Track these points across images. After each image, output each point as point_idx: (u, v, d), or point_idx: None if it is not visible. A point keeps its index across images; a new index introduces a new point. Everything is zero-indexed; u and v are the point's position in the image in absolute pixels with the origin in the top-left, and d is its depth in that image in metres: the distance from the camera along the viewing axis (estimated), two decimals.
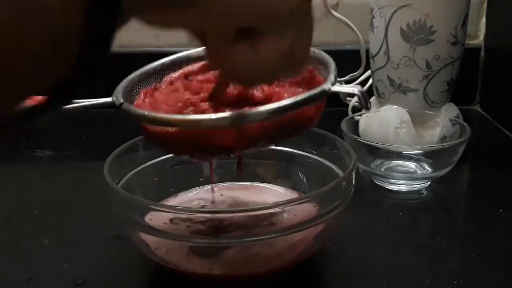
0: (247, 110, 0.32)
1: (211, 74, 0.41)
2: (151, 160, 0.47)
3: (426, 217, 0.51)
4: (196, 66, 0.42)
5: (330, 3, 0.73)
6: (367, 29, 0.63)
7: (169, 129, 0.34)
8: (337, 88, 0.34)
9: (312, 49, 0.39)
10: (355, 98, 0.73)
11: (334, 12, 0.70)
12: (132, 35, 0.85)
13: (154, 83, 0.41)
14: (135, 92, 0.40)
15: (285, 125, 0.34)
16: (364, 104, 0.35)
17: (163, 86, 0.40)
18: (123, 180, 0.44)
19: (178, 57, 0.42)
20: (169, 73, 0.42)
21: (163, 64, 0.41)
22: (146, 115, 0.34)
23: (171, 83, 0.41)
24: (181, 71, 0.42)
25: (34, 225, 0.50)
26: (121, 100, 0.36)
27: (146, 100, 0.39)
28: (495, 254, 0.44)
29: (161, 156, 0.48)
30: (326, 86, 0.34)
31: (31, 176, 0.62)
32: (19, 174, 0.63)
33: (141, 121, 0.35)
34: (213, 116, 0.32)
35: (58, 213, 0.52)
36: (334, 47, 0.81)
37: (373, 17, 0.61)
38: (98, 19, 0.19)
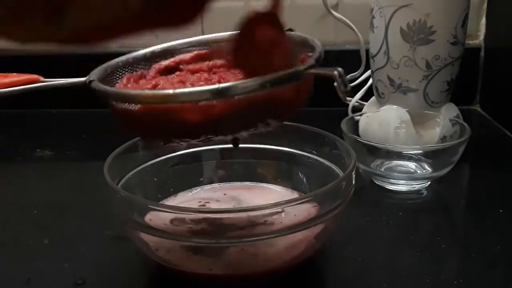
0: (223, 83, 0.31)
1: (204, 64, 0.41)
2: (151, 160, 0.47)
3: (426, 217, 0.51)
4: (188, 55, 0.41)
5: (330, 3, 0.73)
6: (367, 29, 0.63)
7: (136, 107, 0.32)
8: (315, 70, 0.33)
9: (300, 34, 0.39)
10: (356, 98, 0.73)
11: (334, 12, 0.70)
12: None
13: (142, 70, 0.40)
14: (118, 76, 0.39)
15: (258, 105, 0.33)
16: (342, 87, 0.33)
17: (150, 74, 0.40)
18: (123, 180, 0.44)
19: (170, 45, 0.42)
20: (159, 61, 0.41)
21: (153, 52, 0.41)
22: (112, 91, 0.32)
23: (158, 71, 0.40)
24: (172, 59, 0.41)
25: (34, 225, 0.50)
26: (91, 78, 0.35)
27: (128, 85, 0.38)
28: (495, 254, 0.44)
29: (161, 156, 0.48)
30: (302, 66, 0.33)
31: (31, 176, 0.62)
32: (19, 174, 0.63)
33: (107, 98, 0.33)
34: (188, 89, 0.31)
35: (58, 213, 0.52)
36: (334, 47, 0.81)
37: (373, 17, 0.61)
38: None
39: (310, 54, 0.37)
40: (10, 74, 0.51)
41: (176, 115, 0.32)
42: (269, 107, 0.34)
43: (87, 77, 0.35)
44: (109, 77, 0.38)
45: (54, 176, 0.62)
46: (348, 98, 0.74)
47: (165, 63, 0.41)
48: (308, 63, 0.33)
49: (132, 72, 0.40)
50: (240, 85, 0.31)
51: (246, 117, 0.33)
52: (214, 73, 0.39)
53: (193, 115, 0.32)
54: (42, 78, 0.50)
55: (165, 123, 0.33)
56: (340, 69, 0.33)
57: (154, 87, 0.38)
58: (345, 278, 0.42)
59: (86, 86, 0.35)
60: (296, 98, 0.35)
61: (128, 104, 0.33)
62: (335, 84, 0.33)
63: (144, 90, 0.34)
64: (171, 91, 0.31)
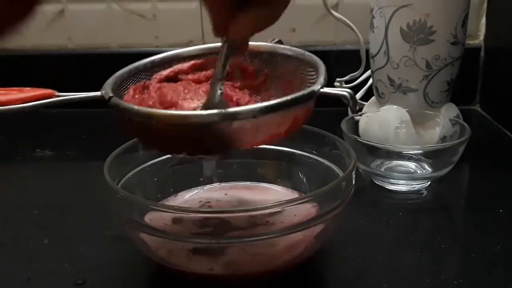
0: (236, 107, 0.32)
1: (201, 74, 0.42)
2: (151, 160, 0.47)
3: (426, 217, 0.51)
4: (186, 65, 0.42)
5: (330, 3, 0.73)
6: (367, 29, 0.63)
7: (156, 124, 0.34)
8: (327, 89, 0.35)
9: (302, 51, 0.40)
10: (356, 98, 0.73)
11: (334, 12, 0.70)
12: (131, 35, 0.86)
13: (144, 80, 0.41)
14: (124, 88, 0.40)
15: (276, 125, 0.35)
16: (353, 107, 0.35)
17: (152, 83, 0.41)
18: (123, 180, 0.44)
19: (168, 55, 0.42)
20: (158, 71, 0.42)
21: (153, 62, 0.42)
22: (135, 109, 0.34)
23: (159, 81, 0.41)
24: (171, 69, 0.42)
25: (34, 225, 0.50)
26: (110, 94, 0.36)
27: (136, 96, 0.39)
28: (495, 254, 0.44)
29: (161, 156, 0.48)
30: (316, 87, 0.35)
31: (31, 176, 0.62)
32: (19, 174, 0.63)
33: (129, 115, 0.35)
34: (204, 112, 0.32)
35: (58, 213, 0.52)
36: (334, 47, 0.81)
37: (373, 17, 0.61)
38: None
39: (312, 72, 0.38)
40: (24, 89, 0.50)
41: (198, 132, 0.33)
42: (283, 125, 0.35)
43: (102, 91, 0.37)
44: (118, 90, 0.39)
45: (54, 176, 0.62)
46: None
47: (165, 73, 0.42)
48: (321, 83, 0.35)
49: (135, 82, 0.41)
50: (268, 105, 0.33)
51: (259, 134, 0.35)
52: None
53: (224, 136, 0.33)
54: (56, 93, 0.50)
55: (184, 139, 0.34)
56: (350, 91, 0.35)
57: (162, 98, 0.39)
58: (345, 278, 0.42)
59: (102, 100, 0.36)
60: (305, 117, 0.37)
61: (150, 121, 0.34)
62: (346, 103, 0.35)
63: (168, 110, 0.36)
64: (197, 112, 0.32)
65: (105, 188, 0.39)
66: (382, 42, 0.60)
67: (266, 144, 0.37)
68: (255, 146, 0.36)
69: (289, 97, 0.33)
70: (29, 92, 0.50)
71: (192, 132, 0.33)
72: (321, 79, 0.36)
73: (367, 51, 0.66)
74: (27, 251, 0.45)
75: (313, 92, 0.34)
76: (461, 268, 0.44)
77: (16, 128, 0.75)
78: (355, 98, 0.35)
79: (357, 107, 0.36)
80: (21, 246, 0.46)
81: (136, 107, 0.34)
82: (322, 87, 0.35)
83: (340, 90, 0.35)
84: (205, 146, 0.35)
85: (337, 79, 0.74)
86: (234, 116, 0.32)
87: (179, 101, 0.39)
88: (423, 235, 0.48)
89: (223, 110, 0.32)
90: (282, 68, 0.41)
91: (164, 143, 0.36)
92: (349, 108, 0.36)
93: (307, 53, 0.40)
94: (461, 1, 0.58)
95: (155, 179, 0.48)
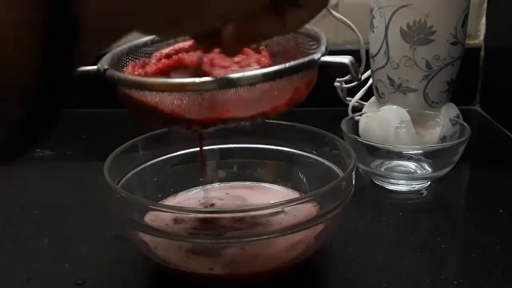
0: (234, 74, 0.31)
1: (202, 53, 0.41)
2: (151, 160, 0.47)
3: (426, 217, 0.51)
4: (187, 43, 0.41)
5: (330, 3, 0.73)
6: (367, 29, 0.63)
7: (153, 96, 0.33)
8: (327, 58, 0.34)
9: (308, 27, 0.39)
10: (356, 98, 0.73)
11: (334, 12, 0.70)
12: (132, 35, 0.85)
13: (143, 58, 0.40)
14: (123, 64, 0.39)
15: (276, 95, 0.34)
16: (355, 74, 0.34)
17: (152, 61, 0.40)
18: (123, 180, 0.44)
19: None
20: (158, 49, 0.41)
21: (153, 39, 0.41)
22: (130, 79, 0.33)
23: (159, 59, 0.40)
24: (171, 47, 0.41)
25: (34, 225, 0.50)
26: (106, 66, 0.35)
27: (135, 72, 0.38)
28: (495, 254, 0.44)
29: (161, 156, 0.48)
30: (316, 55, 0.34)
31: (31, 176, 0.62)
32: (19, 174, 0.63)
33: (124, 86, 0.34)
34: (199, 79, 0.31)
35: (58, 213, 0.52)
36: (334, 47, 0.80)
37: (373, 17, 0.61)
38: (55, 37, 0.18)
39: (315, 44, 0.37)
40: None
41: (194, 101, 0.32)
42: (283, 95, 0.34)
43: (98, 65, 0.36)
44: (116, 65, 0.38)
45: (54, 176, 0.62)
46: (348, 98, 0.74)
47: (165, 51, 0.41)
48: (321, 52, 0.34)
49: (134, 60, 0.40)
50: (266, 71, 0.32)
51: (261, 105, 0.34)
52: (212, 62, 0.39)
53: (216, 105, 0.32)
54: None
55: (178, 110, 0.33)
56: (351, 57, 0.33)
57: (161, 72, 0.38)
58: (345, 278, 0.42)
59: (99, 74, 0.35)
60: (306, 88, 0.36)
61: (145, 91, 0.34)
62: (347, 72, 0.34)
63: (162, 78, 0.35)
64: (193, 80, 0.31)
65: (105, 188, 0.39)
66: (382, 42, 0.60)
67: (266, 116, 0.36)
68: (254, 116, 0.35)
69: (287, 64, 0.32)
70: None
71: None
72: (322, 48, 0.35)
73: (367, 51, 0.66)
74: (27, 251, 0.45)
75: (313, 60, 0.33)
76: (461, 268, 0.44)
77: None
78: (356, 65, 0.34)
79: (359, 76, 0.35)
80: (21, 246, 0.46)
81: (130, 77, 0.34)
82: (322, 55, 0.34)
83: (340, 58, 0.34)
84: (202, 118, 0.34)
85: (337, 79, 0.74)
86: (231, 83, 0.31)
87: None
88: (423, 235, 0.48)
89: (219, 77, 0.31)
90: (284, 44, 0.40)
91: (161, 116, 0.35)
92: (351, 76, 0.35)
93: (309, 26, 0.38)
94: (461, 1, 0.58)
95: (155, 179, 0.48)
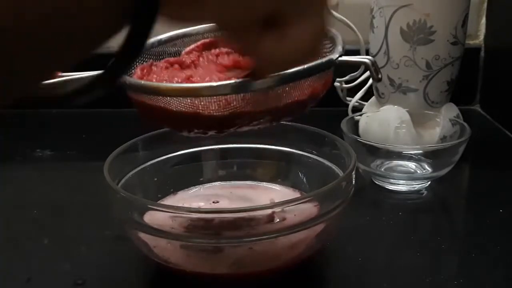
0: (250, 78, 0.31)
1: (211, 53, 0.40)
2: (151, 160, 0.47)
3: (426, 217, 0.51)
4: (193, 46, 0.41)
5: (330, 3, 0.73)
6: (367, 29, 0.63)
7: (166, 100, 0.33)
8: (347, 57, 0.33)
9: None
10: (356, 98, 0.73)
11: (334, 12, 0.70)
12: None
13: (151, 60, 0.40)
14: (131, 67, 0.39)
15: (293, 97, 0.33)
16: (375, 74, 0.34)
17: (160, 64, 0.40)
18: (123, 180, 0.44)
19: (176, 33, 0.41)
20: (166, 50, 0.41)
21: (160, 41, 0.41)
22: (143, 84, 0.33)
23: (167, 63, 0.40)
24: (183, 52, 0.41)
25: (34, 225, 0.50)
26: None
27: (144, 76, 0.38)
28: (495, 254, 0.44)
29: (161, 156, 0.48)
30: (334, 55, 0.33)
31: (31, 176, 0.62)
32: (19, 174, 0.63)
33: (137, 91, 0.34)
34: (214, 84, 0.31)
35: (58, 213, 0.52)
36: None
37: (373, 17, 0.61)
38: None
39: (329, 43, 0.37)
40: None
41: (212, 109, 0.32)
42: (300, 98, 0.34)
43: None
44: None
45: (54, 176, 0.62)
46: (348, 98, 0.74)
47: (173, 59, 0.40)
48: (338, 51, 0.33)
49: (142, 62, 0.40)
50: (283, 74, 0.30)
51: (279, 109, 0.33)
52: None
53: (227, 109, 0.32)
54: (59, 72, 0.49)
55: (192, 114, 0.33)
56: (372, 57, 0.33)
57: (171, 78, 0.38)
58: (345, 278, 0.42)
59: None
60: (323, 88, 0.35)
61: (156, 96, 0.33)
62: (369, 72, 0.34)
63: (173, 83, 0.34)
64: (208, 84, 0.31)
65: (105, 188, 0.39)
66: (382, 42, 0.60)
67: (284, 118, 0.35)
68: (270, 119, 0.34)
69: (306, 66, 0.31)
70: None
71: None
72: (339, 47, 0.34)
73: (367, 51, 0.66)
74: (27, 251, 0.45)
75: (331, 60, 0.33)
76: (461, 268, 0.44)
77: (16, 128, 0.75)
78: (377, 65, 0.34)
79: (379, 75, 0.34)
80: (21, 246, 0.46)
81: (143, 82, 0.33)
82: (340, 56, 0.33)
83: (361, 57, 0.34)
84: (215, 122, 0.33)
85: (337, 79, 0.74)
86: (249, 87, 0.30)
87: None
88: (423, 235, 0.48)
89: (235, 82, 0.30)
90: None
91: (174, 120, 0.34)
92: (371, 76, 0.34)
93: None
94: (461, 1, 0.58)
95: (155, 179, 0.48)
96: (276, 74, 0.30)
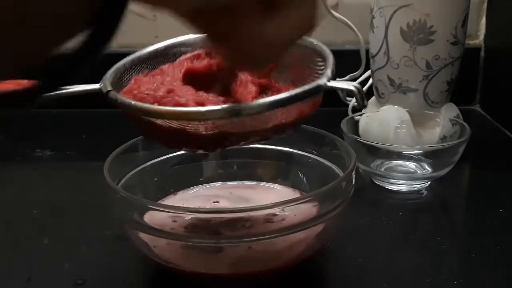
0: (240, 103, 0.31)
1: (205, 62, 0.40)
2: (151, 160, 0.47)
3: (426, 217, 0.51)
4: (189, 55, 0.41)
5: (330, 3, 0.73)
6: (367, 29, 0.63)
7: (157, 121, 0.33)
8: (334, 83, 0.34)
9: (312, 40, 0.39)
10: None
11: (334, 12, 0.70)
12: (131, 35, 0.85)
13: (146, 70, 0.40)
14: (127, 78, 0.39)
15: (281, 119, 0.34)
16: (360, 101, 0.34)
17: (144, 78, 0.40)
18: (123, 180, 0.44)
19: (172, 43, 0.41)
20: (162, 60, 0.41)
21: (156, 50, 0.41)
22: (132, 105, 0.33)
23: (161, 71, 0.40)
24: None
25: (34, 225, 0.50)
26: (109, 88, 0.35)
27: (140, 88, 0.38)
28: (495, 254, 0.44)
29: (161, 156, 0.48)
30: (322, 81, 0.34)
31: (31, 176, 0.62)
32: (19, 174, 0.63)
33: (126, 110, 0.34)
34: (203, 108, 0.31)
35: (58, 213, 0.52)
36: (334, 47, 0.80)
37: (373, 17, 0.61)
38: None
39: (321, 62, 0.37)
40: (22, 82, 0.50)
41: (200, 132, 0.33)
42: (288, 120, 0.35)
43: (100, 84, 0.36)
44: (119, 81, 0.38)
45: (54, 176, 0.62)
46: (348, 98, 0.74)
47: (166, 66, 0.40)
48: (327, 76, 0.34)
49: (138, 73, 0.40)
50: (272, 100, 0.32)
51: (267, 131, 0.34)
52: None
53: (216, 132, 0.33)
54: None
55: (181, 134, 0.33)
56: (358, 85, 0.33)
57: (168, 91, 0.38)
58: (345, 278, 0.42)
59: (101, 94, 0.35)
60: (312, 110, 0.36)
61: (148, 117, 0.33)
62: (354, 99, 0.34)
63: (166, 105, 0.34)
64: (197, 109, 0.32)
65: (105, 188, 0.39)
66: (382, 42, 0.60)
67: (269, 137, 0.36)
68: (258, 139, 0.35)
69: (294, 92, 0.32)
70: (26, 84, 0.49)
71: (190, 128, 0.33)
72: (328, 72, 0.34)
73: (367, 51, 0.66)
74: (27, 251, 0.45)
75: (319, 86, 0.33)
76: (461, 268, 0.44)
77: (16, 128, 0.75)
78: (363, 92, 0.34)
79: (365, 102, 0.35)
80: (21, 246, 0.46)
81: (133, 102, 0.33)
82: (328, 81, 0.33)
83: (347, 84, 0.34)
84: (203, 142, 0.34)
85: (337, 79, 0.74)
86: (237, 112, 0.31)
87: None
88: (423, 235, 0.48)
89: (224, 107, 0.31)
90: (290, 57, 0.40)
91: (164, 138, 0.35)
92: (357, 104, 0.35)
93: (316, 42, 0.38)
94: (461, 1, 0.58)
95: (155, 179, 0.48)
96: (266, 100, 0.31)
